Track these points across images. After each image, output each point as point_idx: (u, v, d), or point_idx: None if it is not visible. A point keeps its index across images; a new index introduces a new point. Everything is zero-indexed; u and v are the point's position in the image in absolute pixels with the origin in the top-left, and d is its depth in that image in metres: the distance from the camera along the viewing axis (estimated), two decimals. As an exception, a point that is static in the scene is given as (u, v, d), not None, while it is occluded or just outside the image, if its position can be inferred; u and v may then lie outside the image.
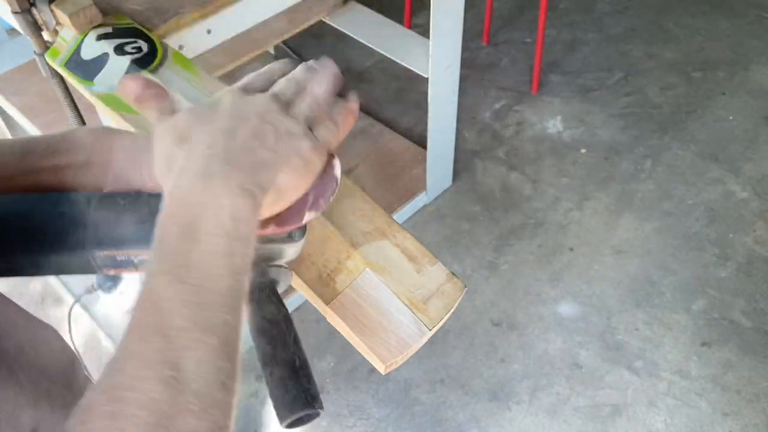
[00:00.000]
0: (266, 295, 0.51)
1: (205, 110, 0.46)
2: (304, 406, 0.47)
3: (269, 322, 0.50)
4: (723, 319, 1.77)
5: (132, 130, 0.78)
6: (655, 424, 1.60)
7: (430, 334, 0.61)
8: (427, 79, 1.66)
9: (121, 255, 0.42)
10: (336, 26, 1.61)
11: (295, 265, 0.65)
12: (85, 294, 1.49)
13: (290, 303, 1.77)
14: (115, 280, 1.68)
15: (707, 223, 1.98)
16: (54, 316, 1.85)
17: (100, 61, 0.89)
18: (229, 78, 2.41)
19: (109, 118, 0.90)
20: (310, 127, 0.47)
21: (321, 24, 1.61)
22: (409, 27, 2.55)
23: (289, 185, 0.45)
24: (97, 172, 0.53)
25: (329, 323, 0.63)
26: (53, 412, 0.47)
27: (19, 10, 0.93)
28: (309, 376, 0.48)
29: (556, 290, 1.84)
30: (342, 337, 0.63)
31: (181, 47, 1.05)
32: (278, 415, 0.48)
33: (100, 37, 0.92)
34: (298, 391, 0.47)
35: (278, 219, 0.47)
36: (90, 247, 0.39)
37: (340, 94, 0.51)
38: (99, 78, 0.87)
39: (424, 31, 1.61)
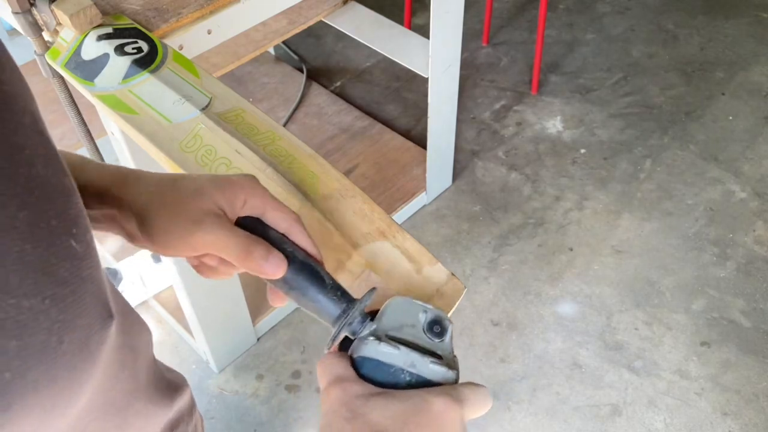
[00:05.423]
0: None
1: (417, 413, 0.43)
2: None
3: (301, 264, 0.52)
4: (722, 319, 1.77)
5: (137, 133, 0.78)
6: (655, 423, 1.60)
7: (430, 334, 0.61)
8: (427, 79, 1.66)
9: None
10: (336, 26, 1.61)
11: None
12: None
13: (290, 303, 1.77)
14: (115, 280, 1.68)
15: (707, 223, 1.98)
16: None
17: (101, 61, 0.89)
18: (229, 78, 2.41)
19: (109, 118, 0.90)
20: None
21: (321, 24, 1.61)
22: (409, 27, 2.55)
23: None
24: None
25: (329, 323, 0.63)
26: None
27: (19, 11, 0.93)
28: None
29: (555, 290, 1.85)
30: (342, 337, 0.63)
31: (181, 47, 1.05)
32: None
33: (100, 38, 0.92)
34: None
35: None
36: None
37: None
38: (99, 78, 0.87)
39: (424, 31, 1.61)
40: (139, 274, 1.72)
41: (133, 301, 1.78)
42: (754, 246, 1.92)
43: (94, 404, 0.41)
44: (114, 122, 0.88)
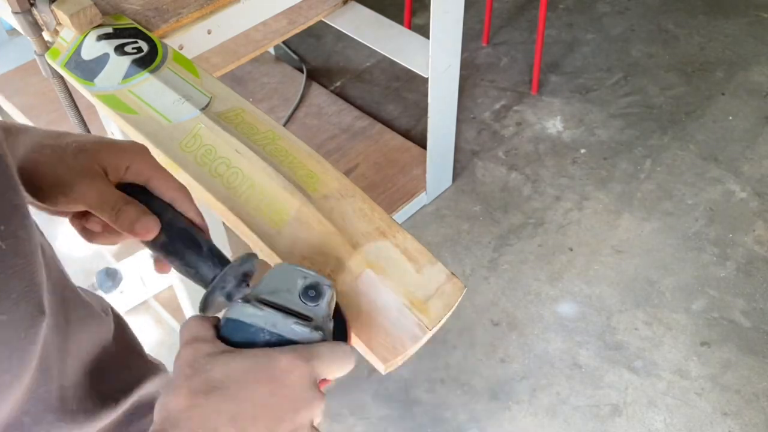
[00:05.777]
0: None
1: (259, 370, 0.43)
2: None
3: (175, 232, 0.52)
4: (723, 319, 1.77)
5: (137, 133, 0.78)
6: (655, 423, 1.60)
7: (430, 334, 0.61)
8: (427, 79, 1.66)
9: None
10: (336, 26, 1.61)
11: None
12: (86, 294, 1.49)
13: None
14: (114, 280, 1.68)
15: (707, 223, 1.98)
16: (54, 316, 1.85)
17: (101, 61, 0.89)
18: (229, 78, 2.40)
19: (109, 118, 0.90)
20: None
21: (321, 24, 1.61)
22: (409, 27, 2.55)
23: None
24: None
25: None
26: None
27: (19, 11, 0.93)
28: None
29: (556, 290, 1.85)
30: (342, 337, 0.63)
31: (181, 47, 1.05)
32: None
33: (100, 38, 0.92)
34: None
35: None
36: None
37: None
38: (99, 78, 0.87)
39: (424, 31, 1.61)
40: (139, 274, 1.72)
41: (133, 301, 1.78)
42: (754, 246, 1.92)
43: (23, 402, 0.40)
44: (114, 122, 0.88)
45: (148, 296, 1.78)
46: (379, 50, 1.62)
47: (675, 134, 2.23)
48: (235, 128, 0.75)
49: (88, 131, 1.10)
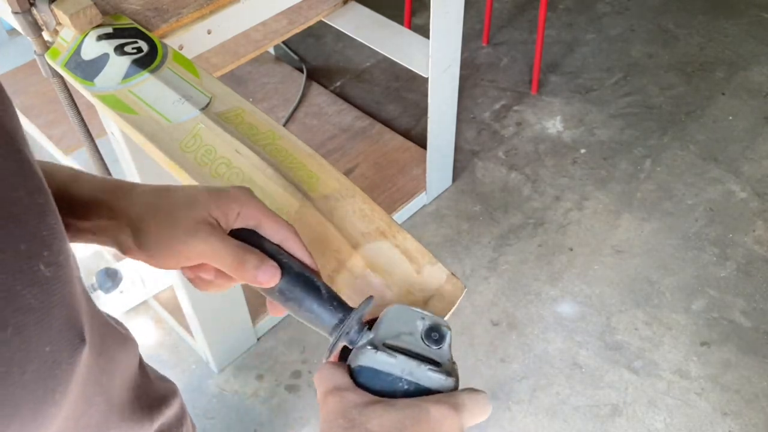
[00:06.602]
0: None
1: (413, 423, 0.43)
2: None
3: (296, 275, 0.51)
4: (723, 319, 1.77)
5: (137, 133, 0.78)
6: (655, 423, 1.60)
7: (429, 334, 0.61)
8: (427, 79, 1.66)
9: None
10: (336, 26, 1.61)
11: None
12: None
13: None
14: (114, 280, 1.68)
15: (707, 223, 1.98)
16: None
17: (101, 61, 0.89)
18: (229, 78, 2.40)
19: (109, 118, 0.90)
20: None
21: (321, 24, 1.61)
22: (409, 27, 2.55)
23: None
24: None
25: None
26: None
27: (19, 11, 0.93)
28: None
29: (555, 290, 1.85)
30: (342, 337, 0.63)
31: (181, 47, 1.05)
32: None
33: (100, 38, 0.92)
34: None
35: None
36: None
37: None
38: (99, 78, 0.87)
39: (424, 31, 1.61)
40: (139, 274, 1.72)
41: (133, 301, 1.78)
42: (754, 246, 1.92)
43: (66, 430, 0.39)
44: (114, 122, 0.88)
45: (148, 296, 1.78)
46: (379, 50, 1.62)
47: (675, 134, 2.23)
48: (235, 128, 0.75)
49: (88, 131, 1.10)
